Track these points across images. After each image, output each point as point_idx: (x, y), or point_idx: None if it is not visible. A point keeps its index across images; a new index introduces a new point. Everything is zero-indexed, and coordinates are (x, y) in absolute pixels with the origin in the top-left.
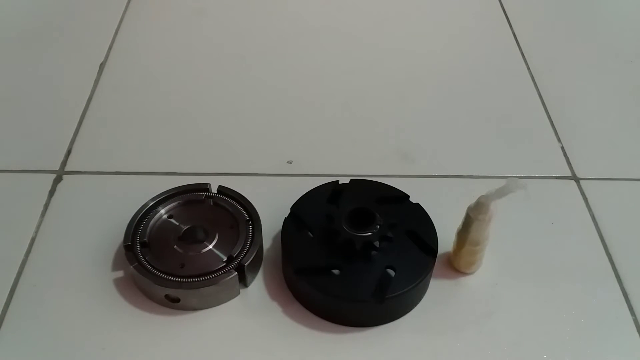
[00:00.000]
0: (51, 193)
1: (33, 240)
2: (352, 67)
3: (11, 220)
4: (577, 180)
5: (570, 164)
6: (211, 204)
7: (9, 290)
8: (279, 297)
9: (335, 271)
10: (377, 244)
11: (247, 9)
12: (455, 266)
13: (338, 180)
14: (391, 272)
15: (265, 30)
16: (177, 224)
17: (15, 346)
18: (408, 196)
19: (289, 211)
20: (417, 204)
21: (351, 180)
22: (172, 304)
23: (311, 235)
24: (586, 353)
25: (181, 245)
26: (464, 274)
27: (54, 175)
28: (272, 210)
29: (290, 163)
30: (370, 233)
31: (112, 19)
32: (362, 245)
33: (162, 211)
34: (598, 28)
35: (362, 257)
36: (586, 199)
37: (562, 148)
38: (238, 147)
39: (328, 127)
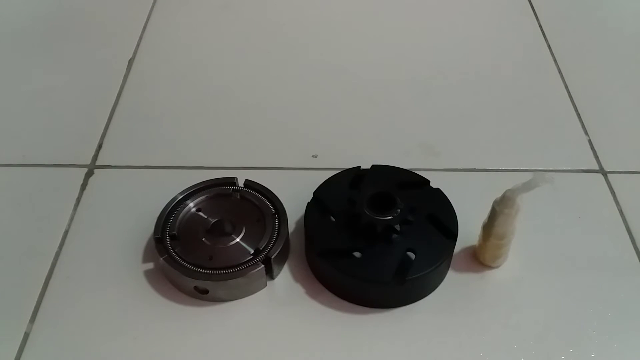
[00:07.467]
0: (83, 187)
1: (66, 232)
2: (377, 61)
3: (45, 214)
4: (604, 173)
5: (598, 157)
6: (238, 197)
7: (43, 281)
8: (304, 288)
9: (357, 254)
10: (397, 227)
11: (272, 3)
12: (481, 260)
13: (360, 166)
14: (411, 255)
15: (290, 24)
16: (205, 217)
17: (49, 336)
18: (429, 181)
19: (312, 196)
20: (438, 189)
21: (372, 166)
22: (201, 295)
23: (333, 219)
24: (612, 348)
25: (209, 238)
26: (490, 267)
27: (85, 170)
28: (298, 203)
29: (315, 157)
30: (391, 217)
31: (139, 16)
32: (383, 228)
33: (191, 204)
34: (626, 17)
35: (383, 240)
36: (614, 192)
37: (590, 141)
38: (264, 141)
39: (353, 121)
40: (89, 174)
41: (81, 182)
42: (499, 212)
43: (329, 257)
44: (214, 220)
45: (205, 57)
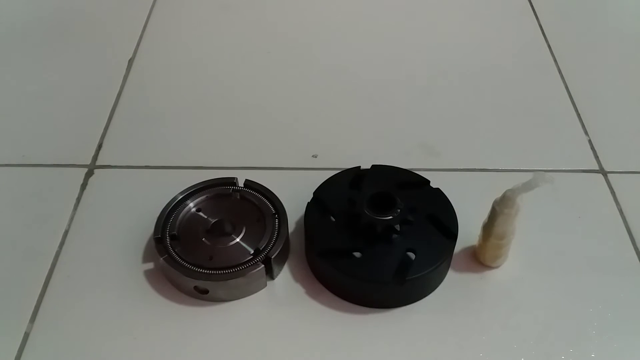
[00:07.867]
0: (83, 187)
1: (66, 232)
2: (377, 61)
3: (46, 213)
4: (604, 173)
5: (598, 157)
6: (238, 197)
7: (43, 281)
8: (304, 288)
9: (357, 254)
10: (397, 227)
11: (272, 3)
12: (481, 260)
13: (360, 166)
14: (411, 255)
15: (290, 24)
16: (205, 217)
17: (49, 335)
18: (429, 181)
19: (312, 196)
20: (438, 189)
21: (372, 166)
22: (201, 295)
23: (333, 219)
24: (613, 348)
25: (209, 238)
26: (490, 267)
27: (85, 170)
28: (298, 203)
29: (316, 157)
30: (391, 217)
31: (139, 16)
32: (383, 228)
33: (191, 204)
34: (626, 17)
35: (383, 240)
36: (614, 192)
37: (590, 141)
38: (264, 141)
39: (353, 121)
40: (89, 174)
41: (81, 182)
42: (499, 212)
43: (329, 257)
44: (214, 220)
45: (205, 57)
